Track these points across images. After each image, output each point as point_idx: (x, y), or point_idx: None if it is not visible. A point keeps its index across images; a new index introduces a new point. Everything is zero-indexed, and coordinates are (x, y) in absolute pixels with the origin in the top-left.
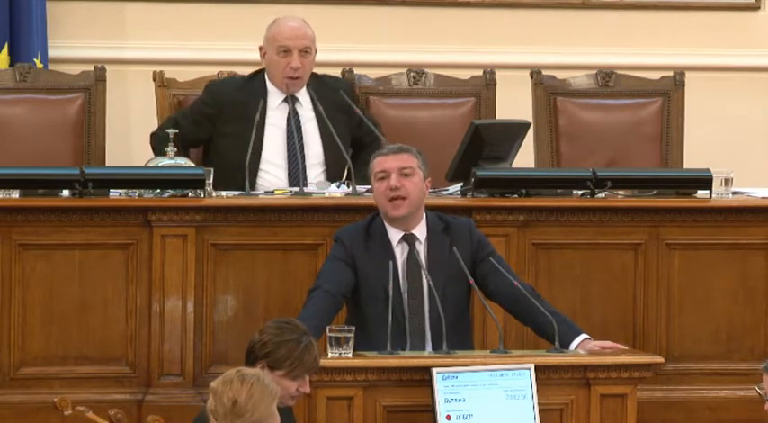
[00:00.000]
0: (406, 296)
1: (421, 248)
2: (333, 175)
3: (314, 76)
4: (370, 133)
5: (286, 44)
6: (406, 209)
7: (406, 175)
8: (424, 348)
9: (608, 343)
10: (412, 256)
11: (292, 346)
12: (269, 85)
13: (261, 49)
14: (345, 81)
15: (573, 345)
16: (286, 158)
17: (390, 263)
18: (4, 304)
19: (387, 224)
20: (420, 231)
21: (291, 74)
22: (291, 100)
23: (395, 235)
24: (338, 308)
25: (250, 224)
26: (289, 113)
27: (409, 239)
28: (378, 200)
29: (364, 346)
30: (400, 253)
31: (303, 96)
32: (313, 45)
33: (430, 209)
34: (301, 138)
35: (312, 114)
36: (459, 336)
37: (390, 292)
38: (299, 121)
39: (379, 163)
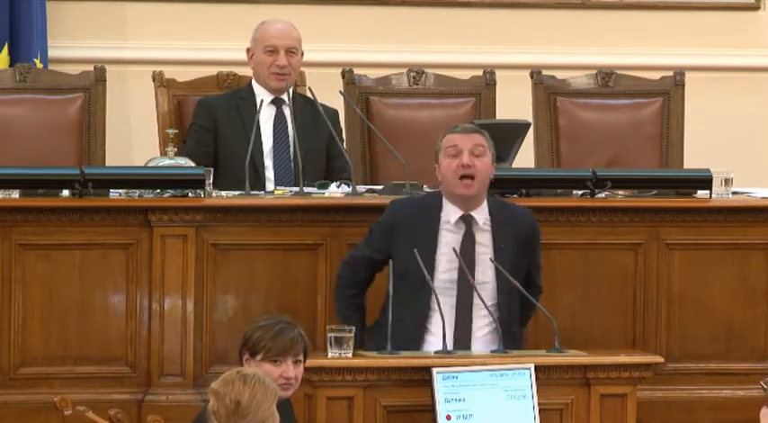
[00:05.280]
0: (452, 278)
1: (485, 236)
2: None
3: (306, 98)
4: (340, 169)
5: (273, 43)
6: (476, 189)
7: (477, 155)
8: (469, 345)
9: None
10: (469, 238)
11: (266, 330)
12: (256, 89)
13: (248, 50)
14: (333, 111)
15: None
16: (272, 159)
17: (440, 241)
18: (4, 304)
19: (445, 201)
20: (479, 214)
21: (277, 71)
22: (278, 102)
23: (453, 214)
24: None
25: (250, 224)
26: (275, 115)
27: (467, 220)
28: (446, 176)
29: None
30: (457, 231)
31: (288, 100)
32: (299, 46)
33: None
34: (287, 139)
35: (293, 121)
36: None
37: (428, 275)
38: (286, 123)
39: (452, 140)
